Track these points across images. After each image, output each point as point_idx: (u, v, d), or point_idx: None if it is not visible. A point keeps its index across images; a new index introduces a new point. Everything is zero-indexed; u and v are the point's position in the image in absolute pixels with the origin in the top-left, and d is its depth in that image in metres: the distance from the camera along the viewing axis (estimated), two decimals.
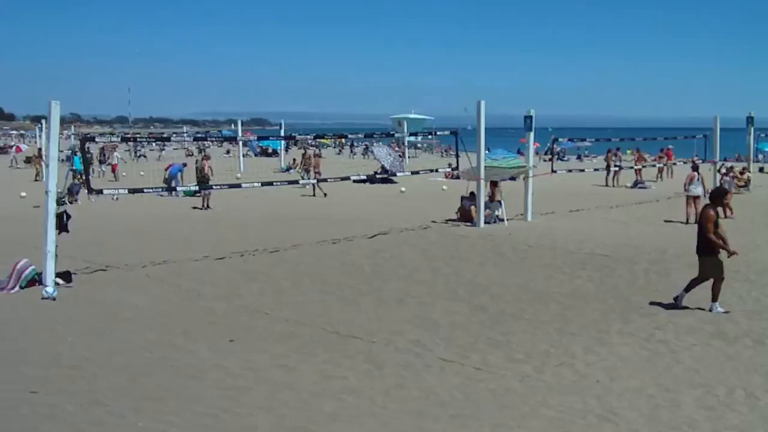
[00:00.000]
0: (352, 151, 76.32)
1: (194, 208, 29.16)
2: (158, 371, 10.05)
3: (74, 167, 36.06)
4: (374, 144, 54.32)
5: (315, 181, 28.68)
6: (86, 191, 19.63)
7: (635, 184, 38.93)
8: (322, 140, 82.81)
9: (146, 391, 9.23)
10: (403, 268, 17.45)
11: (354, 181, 32.07)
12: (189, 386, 9.44)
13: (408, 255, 18.98)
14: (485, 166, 23.88)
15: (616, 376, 10.07)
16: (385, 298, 14.58)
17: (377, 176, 34.60)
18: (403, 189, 36.39)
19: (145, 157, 62.12)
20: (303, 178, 32.58)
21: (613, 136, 47.69)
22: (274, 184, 23.77)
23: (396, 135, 55.55)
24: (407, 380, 9.85)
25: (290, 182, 25.93)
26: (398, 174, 34.48)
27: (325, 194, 33.32)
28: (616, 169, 38.87)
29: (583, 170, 40.97)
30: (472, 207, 23.82)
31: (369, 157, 67.21)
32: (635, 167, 40.55)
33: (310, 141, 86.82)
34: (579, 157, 69.59)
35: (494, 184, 24.97)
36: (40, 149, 39.23)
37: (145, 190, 20.50)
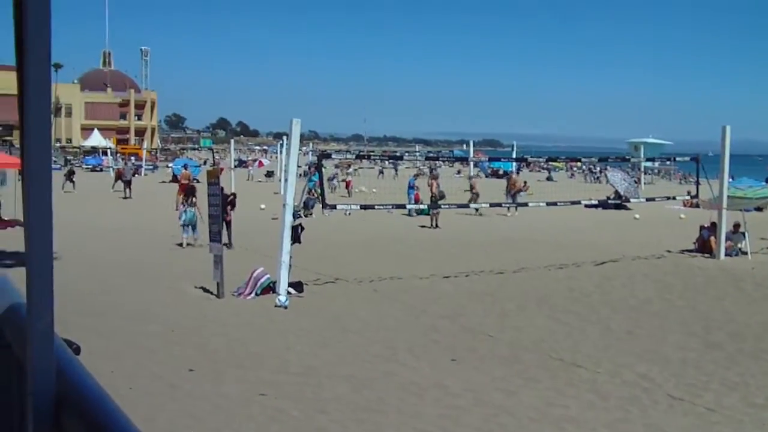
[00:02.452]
0: (586, 177, 75.02)
1: (422, 226, 29.69)
2: (381, 384, 10.30)
3: (309, 182, 37.84)
4: (609, 168, 53.00)
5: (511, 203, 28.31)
6: (321, 205, 20.53)
7: None
8: (554, 163, 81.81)
9: (368, 402, 9.49)
10: (633, 298, 16.88)
11: (585, 206, 31.43)
12: (409, 402, 9.61)
13: (639, 285, 18.33)
14: (728, 196, 22.67)
15: None
16: (613, 328, 14.16)
17: (610, 201, 33.69)
18: (637, 216, 35.21)
19: (382, 172, 64.15)
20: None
21: None
22: (503, 205, 23.74)
23: (632, 160, 53.95)
24: (632, 415, 9.50)
25: (518, 204, 25.77)
26: (632, 200, 33.42)
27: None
28: None
29: None
30: (712, 237, 22.65)
31: (599, 182, 65.66)
32: None
33: (542, 164, 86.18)
34: None
35: None
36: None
37: (376, 207, 21.12)
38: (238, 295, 15.90)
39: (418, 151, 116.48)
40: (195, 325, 13.46)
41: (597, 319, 14.91)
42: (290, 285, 16.13)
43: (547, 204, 24.48)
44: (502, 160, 56.27)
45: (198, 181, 40.17)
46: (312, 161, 52.81)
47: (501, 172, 72.54)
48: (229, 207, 23.51)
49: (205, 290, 16.25)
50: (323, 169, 21.93)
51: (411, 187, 35.79)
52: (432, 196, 30.70)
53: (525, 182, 54.93)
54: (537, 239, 26.16)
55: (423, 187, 35.20)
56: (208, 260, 16.53)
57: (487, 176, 67.67)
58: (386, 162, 63.50)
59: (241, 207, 24.97)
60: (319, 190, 27.56)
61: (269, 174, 63.04)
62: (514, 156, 52.70)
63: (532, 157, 37.64)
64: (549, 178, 73.93)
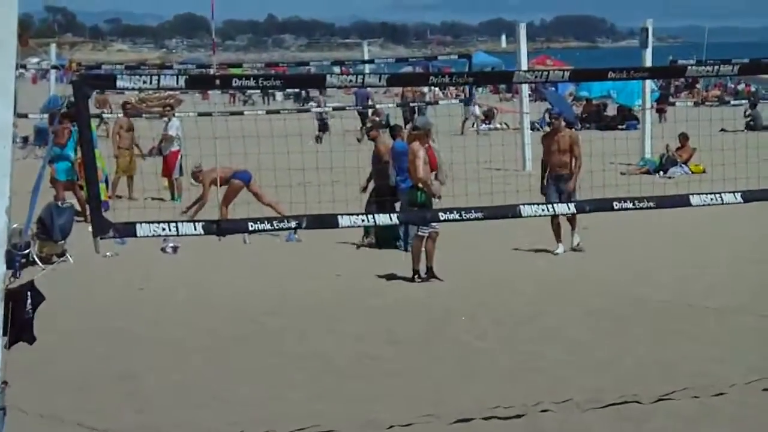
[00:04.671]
0: None
1: (386, 276, 29.81)
2: None
3: (57, 163, 37.55)
4: None
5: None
6: (90, 228, 20.31)
7: None
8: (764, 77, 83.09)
9: None
10: None
11: None
12: None
13: None
14: None
15: None
16: None
17: None
18: None
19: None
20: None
21: None
22: (614, 206, 23.79)
23: None
24: None
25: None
26: None
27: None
28: None
29: None
30: None
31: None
32: None
33: (728, 85, 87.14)
34: None
35: None
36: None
37: (251, 228, 21.09)
38: None
39: (346, 64, 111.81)
40: None
41: None
42: None
43: (744, 198, 24.34)
44: (611, 76, 56.88)
45: None
46: (58, 98, 52.97)
47: (612, 110, 73.06)
48: None
49: None
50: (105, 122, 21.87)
51: (401, 167, 35.43)
52: (419, 185, 30.34)
53: (683, 138, 55.97)
54: (712, 304, 26.39)
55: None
56: None
57: (571, 125, 67.89)
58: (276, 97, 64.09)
59: None
60: (86, 184, 27.63)
61: None
62: (648, 64, 53.22)
63: (700, 64, 36.95)
64: (752, 125, 74.80)
